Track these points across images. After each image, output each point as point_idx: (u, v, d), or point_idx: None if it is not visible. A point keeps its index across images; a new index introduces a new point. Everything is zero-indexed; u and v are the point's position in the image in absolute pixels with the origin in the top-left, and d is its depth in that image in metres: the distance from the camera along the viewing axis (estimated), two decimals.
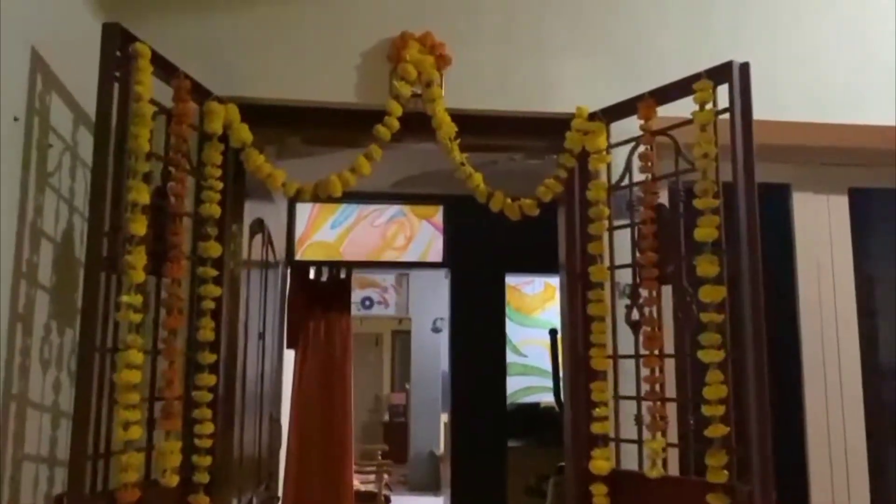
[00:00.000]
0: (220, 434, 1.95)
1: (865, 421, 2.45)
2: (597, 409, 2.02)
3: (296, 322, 5.59)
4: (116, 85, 1.68)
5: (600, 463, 1.99)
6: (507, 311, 6.06)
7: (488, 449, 5.36)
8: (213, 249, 1.94)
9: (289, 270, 5.52)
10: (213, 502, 1.87)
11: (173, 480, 1.72)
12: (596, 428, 2.01)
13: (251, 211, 2.40)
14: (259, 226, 2.58)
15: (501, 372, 5.54)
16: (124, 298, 1.62)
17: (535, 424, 5.69)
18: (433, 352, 9.34)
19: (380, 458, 7.81)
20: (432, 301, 8.78)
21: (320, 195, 2.03)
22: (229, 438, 2.09)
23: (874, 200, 2.58)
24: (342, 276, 5.76)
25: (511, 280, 6.10)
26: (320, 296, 5.69)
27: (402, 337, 11.65)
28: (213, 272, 1.94)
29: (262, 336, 2.67)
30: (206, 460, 1.85)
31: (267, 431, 2.88)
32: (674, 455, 1.97)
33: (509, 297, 6.28)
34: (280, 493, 5.56)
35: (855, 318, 2.49)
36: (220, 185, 1.98)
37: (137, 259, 1.65)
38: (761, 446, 1.68)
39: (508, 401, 5.76)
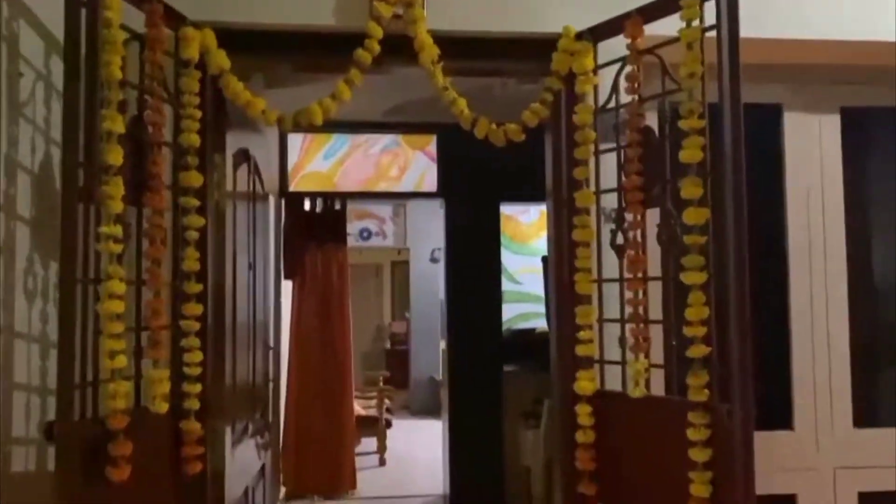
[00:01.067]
0: (210, 362, 1.98)
1: (850, 344, 2.47)
2: (581, 333, 2.04)
3: (292, 254, 5.61)
4: (84, 10, 1.63)
5: (585, 384, 2.02)
6: (503, 239, 6.08)
7: (485, 374, 5.46)
8: (195, 179, 1.92)
9: (283, 202, 5.52)
10: (204, 429, 1.91)
11: (163, 407, 1.75)
12: (581, 350, 2.04)
13: (235, 141, 2.37)
14: (244, 156, 2.55)
15: (497, 299, 5.60)
16: (103, 229, 1.61)
17: (530, 350, 5.75)
18: (432, 281, 9.40)
19: (381, 384, 7.95)
20: (430, 232, 8.77)
21: (301, 123, 2.00)
22: (220, 367, 2.12)
23: (866, 119, 2.54)
24: (337, 207, 5.75)
25: (507, 209, 6.09)
26: (316, 227, 5.70)
27: (401, 267, 11.71)
28: (196, 202, 1.93)
29: (251, 266, 2.68)
30: (196, 388, 1.88)
31: (261, 360, 2.92)
32: (659, 377, 2.00)
33: (505, 226, 6.28)
34: (282, 420, 5.70)
35: (843, 241, 2.49)
36: (199, 114, 1.95)
37: (115, 189, 1.64)
38: (742, 366, 1.71)
39: (504, 327, 5.84)
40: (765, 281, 2.58)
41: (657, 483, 1.87)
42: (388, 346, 12.50)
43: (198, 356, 1.89)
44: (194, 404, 1.87)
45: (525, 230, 7.66)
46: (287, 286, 5.76)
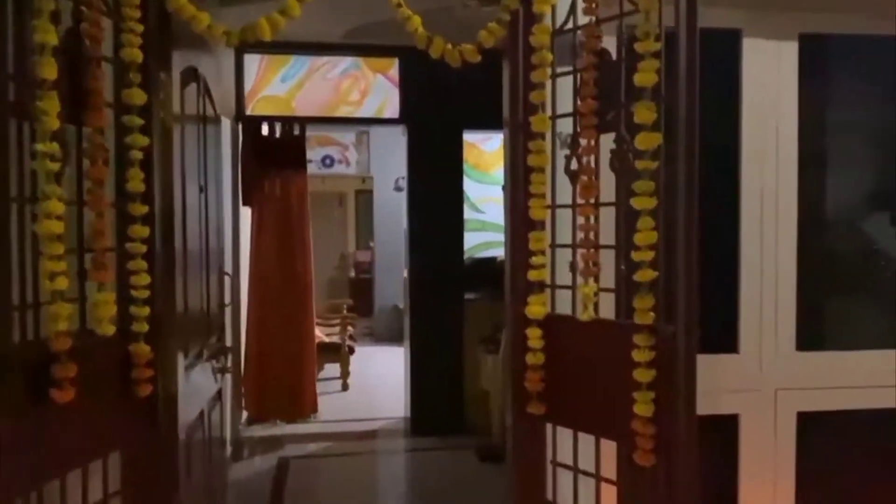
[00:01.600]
0: (160, 286, 1.95)
1: (797, 269, 2.53)
2: (534, 258, 2.05)
3: (250, 179, 5.52)
4: None
5: (536, 308, 2.04)
6: (466, 168, 6.05)
7: (446, 302, 5.53)
8: (137, 97, 1.85)
9: (240, 126, 5.39)
10: (155, 352, 1.89)
11: (109, 329, 1.73)
12: (533, 275, 2.05)
13: (182, 59, 2.27)
14: (192, 75, 2.46)
15: (459, 228, 5.61)
16: (39, 146, 1.55)
17: (491, 278, 5.80)
18: (396, 210, 9.35)
19: (345, 311, 8.00)
20: (394, 160, 8.68)
21: (248, 38, 1.92)
22: (170, 291, 2.09)
23: (824, 46, 2.54)
24: (296, 132, 5.63)
25: (469, 137, 6.03)
26: (274, 153, 5.60)
27: (365, 196, 11.62)
28: (139, 121, 1.86)
29: (203, 190, 2.62)
30: (144, 311, 1.86)
31: (216, 285, 2.90)
32: (612, 302, 2.03)
33: (467, 154, 6.24)
34: (243, 346, 5.72)
35: (795, 169, 2.52)
36: (141, 28, 1.86)
37: (50, 105, 1.56)
38: (687, 290, 1.74)
39: (466, 256, 5.88)
40: (716, 208, 2.62)
41: (603, 403, 1.92)
42: (352, 274, 12.53)
43: (145, 279, 1.85)
44: (143, 327, 1.85)
45: (487, 158, 7.63)
46: (246, 212, 5.69)
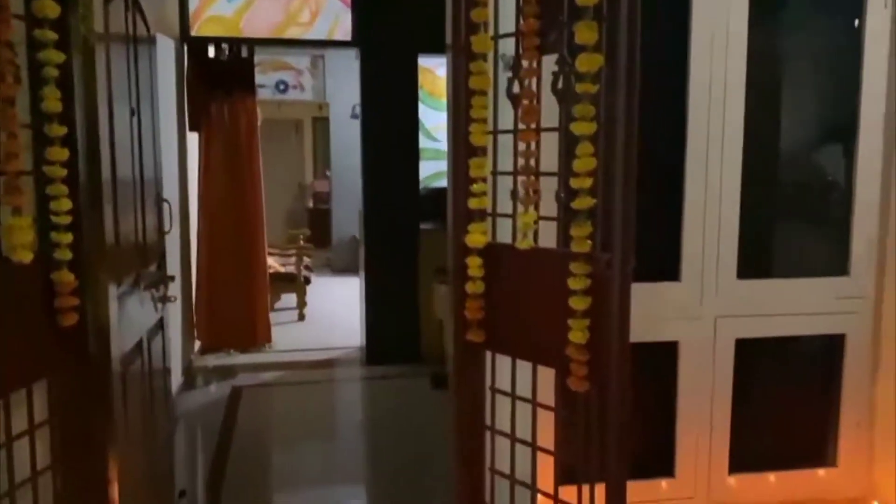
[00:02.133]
0: (85, 212, 1.87)
1: (741, 198, 2.54)
2: (474, 186, 2.00)
3: (197, 104, 5.33)
4: None
5: (476, 237, 2.01)
6: (421, 94, 5.92)
7: (401, 232, 5.49)
8: (50, 9, 1.72)
9: (185, 48, 5.17)
10: (81, 280, 1.83)
11: (26, 256, 1.66)
12: (473, 203, 2.01)
13: None
14: None
15: (414, 157, 5.52)
16: None
17: (446, 208, 5.78)
18: (353, 139, 9.12)
19: (301, 242, 7.92)
20: (350, 86, 8.45)
21: None
22: (97, 217, 2.00)
23: None
24: (244, 54, 5.42)
25: (425, 62, 5.87)
26: (222, 76, 5.39)
27: (322, 123, 11.37)
28: (53, 35, 1.74)
29: (135, 113, 2.50)
30: (67, 237, 1.77)
31: (153, 212, 2.81)
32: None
33: (423, 79, 6.10)
34: (194, 274, 5.64)
35: (743, 94, 2.49)
36: None
37: None
38: (624, 217, 1.71)
39: (421, 185, 5.81)
40: (662, 136, 2.60)
41: (540, 330, 1.91)
42: (310, 205, 12.37)
43: (66, 204, 1.77)
44: (65, 254, 1.77)
45: (443, 84, 7.47)
46: (194, 138, 5.52)
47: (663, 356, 2.59)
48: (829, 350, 2.71)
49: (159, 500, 2.82)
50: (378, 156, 5.44)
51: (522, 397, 2.03)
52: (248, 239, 5.61)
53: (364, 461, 4.03)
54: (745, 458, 2.68)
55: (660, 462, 2.65)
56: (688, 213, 2.51)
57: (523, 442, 2.03)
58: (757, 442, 2.71)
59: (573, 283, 1.78)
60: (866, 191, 2.63)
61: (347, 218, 9.69)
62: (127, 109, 2.41)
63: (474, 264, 2.02)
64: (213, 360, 5.72)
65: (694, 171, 2.51)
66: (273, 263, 7.18)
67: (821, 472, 2.76)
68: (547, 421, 2.03)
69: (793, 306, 2.61)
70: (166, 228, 2.96)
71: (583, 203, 1.76)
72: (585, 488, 1.88)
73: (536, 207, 1.93)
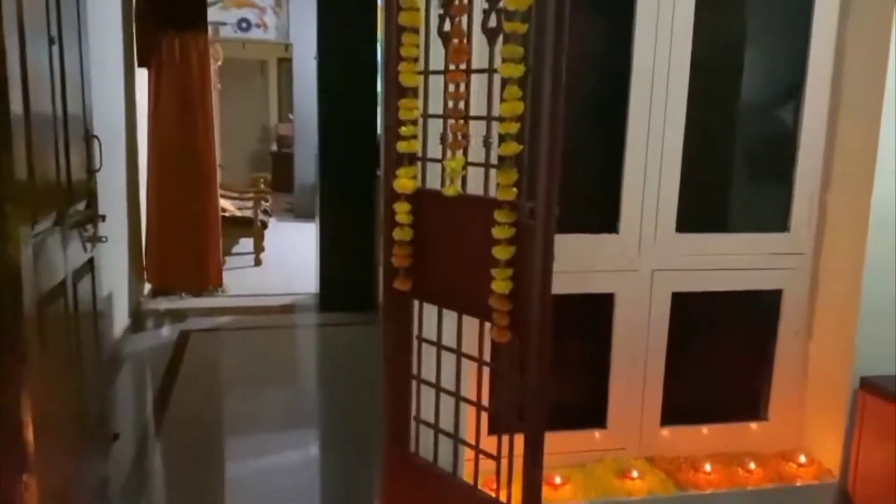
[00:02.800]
0: None
1: (683, 150, 2.49)
2: (403, 128, 1.93)
3: (146, 38, 5.12)
4: None
5: (404, 182, 1.95)
6: (379, 36, 5.74)
7: (357, 177, 5.38)
8: None
9: None
10: None
11: None
12: (402, 147, 1.94)
13: None
14: None
15: (372, 101, 5.39)
16: None
17: None
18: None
19: (262, 185, 7.78)
20: (314, 27, 8.22)
21: None
22: (5, 152, 1.90)
23: None
24: None
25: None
26: (172, 10, 5.17)
27: (288, 65, 11.08)
28: None
29: (55, 43, 2.36)
30: None
31: (80, 149, 2.69)
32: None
33: (381, 20, 5.90)
34: (143, 216, 5.51)
35: (689, 47, 2.43)
36: None
37: None
38: (549, 165, 1.66)
39: (379, 131, 5.68)
40: (604, 85, 2.53)
41: (464, 280, 1.87)
42: (274, 148, 12.14)
43: None
44: None
45: None
46: (143, 74, 5.32)
47: (599, 308, 2.57)
48: (765, 306, 2.71)
49: (90, 443, 2.77)
50: (335, 100, 5.30)
51: (448, 347, 2.00)
52: (200, 180, 5.47)
53: (308, 407, 4.01)
54: (678, 410, 2.70)
55: (594, 413, 2.65)
56: (628, 165, 2.47)
57: (447, 392, 2.01)
58: (690, 395, 2.73)
59: (497, 232, 1.73)
60: (810, 148, 2.60)
61: (310, 163, 9.50)
62: (44, 38, 2.27)
63: (402, 210, 1.96)
64: (164, 304, 5.64)
65: (636, 123, 2.45)
66: (229, 207, 7.04)
67: (753, 425, 2.79)
68: (475, 371, 2.01)
69: (731, 261, 2.60)
70: (96, 166, 2.84)
71: (508, 149, 1.70)
72: (506, 438, 1.86)
73: (465, 153, 1.87)
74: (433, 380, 2.04)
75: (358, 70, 5.27)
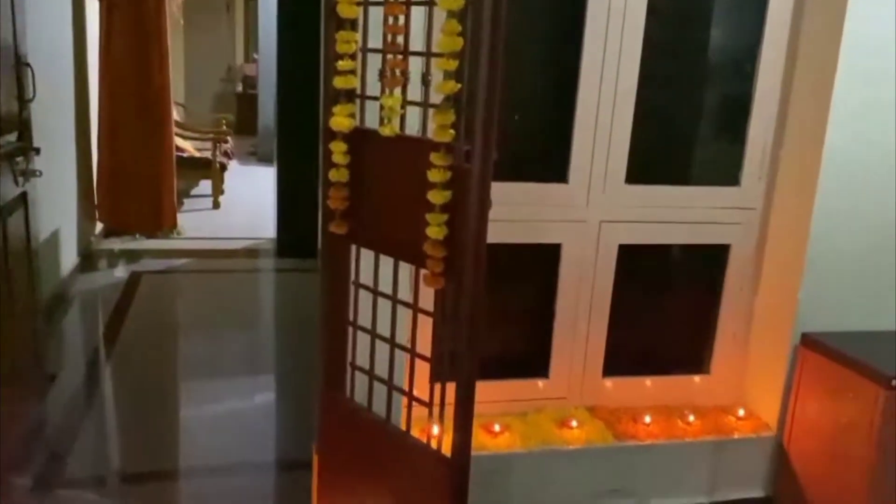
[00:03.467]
0: None
1: (636, 101, 2.43)
2: (340, 63, 1.84)
3: None
4: None
5: (340, 119, 1.86)
6: None
7: (315, 122, 5.24)
8: None
9: None
10: None
11: None
12: (339, 82, 1.85)
13: None
14: None
15: None
16: None
17: None
18: None
19: (224, 126, 7.58)
20: None
21: None
22: None
23: None
24: None
25: None
26: None
27: (254, 2, 10.74)
28: None
29: None
30: None
31: (10, 78, 2.55)
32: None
33: None
34: (95, 152, 5.33)
35: None
36: None
37: None
38: (487, 105, 1.58)
39: None
40: (559, 29, 2.45)
41: (400, 225, 1.81)
42: (239, 89, 11.84)
43: None
44: None
45: None
46: (93, 5, 5.09)
47: (546, 258, 2.53)
48: (712, 260, 2.70)
49: (23, 383, 2.70)
50: (294, 39, 5.12)
51: (384, 293, 1.95)
52: (154, 117, 5.29)
53: (256, 352, 3.96)
54: (621, 362, 2.70)
55: (538, 363, 2.64)
56: (580, 113, 2.40)
57: (382, 338, 1.97)
58: (634, 347, 2.73)
59: (432, 176, 1.67)
60: (764, 102, 2.55)
61: (272, 105, 9.30)
62: None
63: (338, 150, 1.88)
64: (117, 244, 5.51)
65: (589, 70, 2.38)
66: (188, 147, 6.87)
67: (696, 378, 2.81)
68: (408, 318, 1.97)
69: (680, 214, 2.57)
70: (28, 96, 2.70)
71: (445, 88, 1.63)
72: (440, 385, 1.83)
73: (404, 90, 1.79)
74: (370, 326, 2.00)
75: (316, 11, 5.08)
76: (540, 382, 2.66)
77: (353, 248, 2.00)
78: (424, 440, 1.91)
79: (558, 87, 2.45)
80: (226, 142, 7.18)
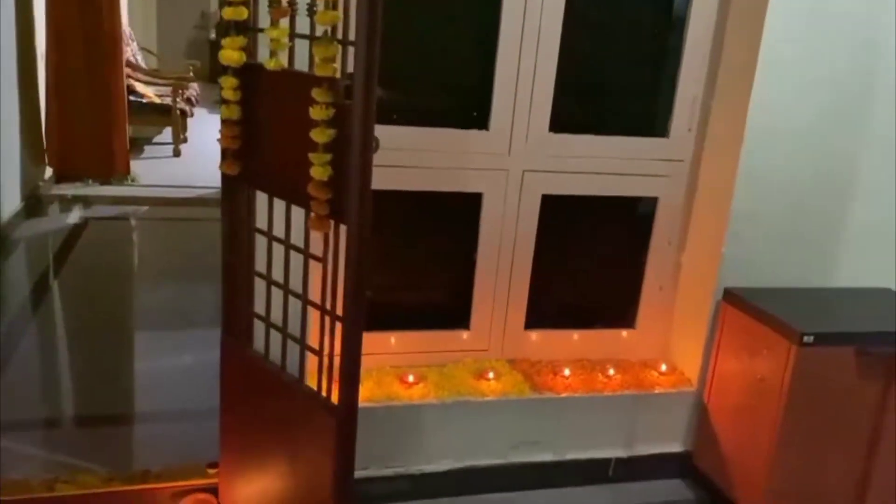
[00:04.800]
0: None
1: (560, 47, 2.35)
2: None
3: None
4: None
5: (229, 53, 1.77)
6: None
7: None
8: None
9: None
10: None
11: None
12: (227, 13, 1.76)
13: None
14: None
15: None
16: None
17: None
18: None
19: (190, 73, 7.40)
20: None
21: None
22: None
23: None
24: None
25: None
26: None
27: None
28: None
29: None
30: None
31: None
32: None
33: None
34: (42, 97, 5.19)
35: None
36: None
37: None
38: (369, 35, 1.50)
39: None
40: None
41: (290, 165, 1.74)
42: (212, 36, 11.55)
43: None
44: None
45: None
46: None
47: (467, 208, 2.47)
48: (639, 213, 2.65)
49: None
50: None
51: (276, 237, 1.89)
52: (103, 56, 5.14)
53: (194, 303, 3.90)
54: (545, 314, 2.66)
55: (460, 314, 2.60)
56: (501, 57, 2.32)
57: (276, 284, 1.91)
58: (558, 300, 2.70)
59: (314, 113, 1.60)
60: (695, 51, 2.47)
61: None
62: None
63: (228, 85, 1.80)
64: (69, 190, 5.40)
65: (511, 11, 2.29)
66: (148, 93, 6.70)
67: (624, 333, 2.78)
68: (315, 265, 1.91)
69: (606, 165, 2.51)
70: None
71: (325, 18, 1.55)
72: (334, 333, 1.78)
73: (292, 22, 1.70)
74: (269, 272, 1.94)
75: None
76: (464, 334, 2.62)
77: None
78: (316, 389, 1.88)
79: (479, 29, 2.36)
80: (187, 88, 7.00)
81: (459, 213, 2.50)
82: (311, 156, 1.63)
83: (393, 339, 2.56)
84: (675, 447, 2.66)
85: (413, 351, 2.57)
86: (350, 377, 1.74)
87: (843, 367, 2.24)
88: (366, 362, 2.51)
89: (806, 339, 2.17)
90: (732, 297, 2.47)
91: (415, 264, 2.59)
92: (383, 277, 2.53)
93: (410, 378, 2.44)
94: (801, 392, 2.22)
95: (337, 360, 1.76)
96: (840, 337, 2.23)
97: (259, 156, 1.84)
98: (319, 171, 1.64)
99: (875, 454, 2.33)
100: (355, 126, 1.57)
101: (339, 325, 1.72)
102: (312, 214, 1.69)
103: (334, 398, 1.79)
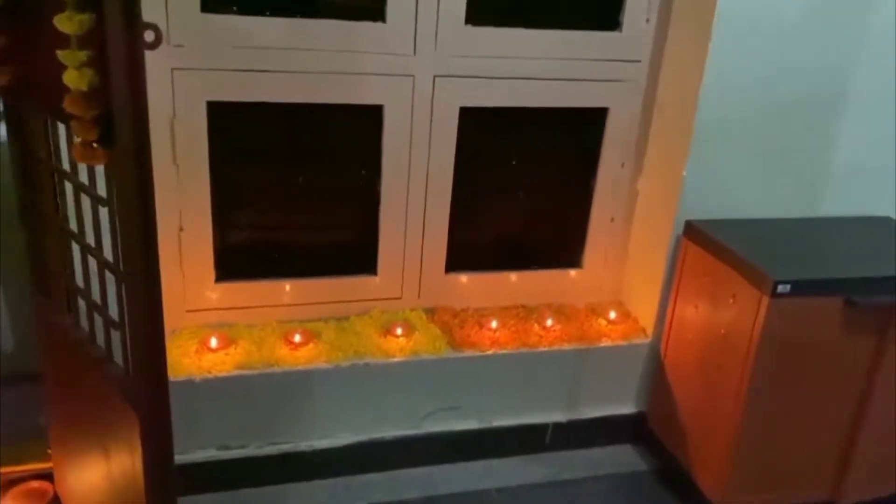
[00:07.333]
0: None
1: None
2: None
3: None
4: None
5: None
6: None
7: None
8: None
9: None
10: None
11: None
12: None
13: None
14: None
15: None
16: None
17: None
18: None
19: None
20: None
21: None
22: None
23: None
24: None
25: None
26: None
27: None
28: None
29: None
30: None
31: None
32: None
33: None
34: None
35: None
36: None
37: None
38: None
39: None
40: None
41: (51, 73, 1.24)
42: None
43: None
44: None
45: None
46: None
47: (364, 124, 1.97)
48: (585, 128, 2.15)
49: None
50: None
51: (64, 172, 1.41)
52: None
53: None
54: (471, 254, 2.21)
55: (365, 256, 2.14)
56: None
57: (67, 231, 1.44)
58: (485, 237, 2.25)
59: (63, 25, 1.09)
60: None
61: None
62: None
63: None
64: None
65: None
66: None
67: (571, 273, 2.33)
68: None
69: (541, 68, 1.99)
70: None
71: None
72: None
73: None
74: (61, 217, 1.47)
75: None
76: (374, 280, 2.17)
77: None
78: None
79: None
80: None
81: (356, 131, 2.00)
82: (61, 54, 1.13)
83: (288, 286, 2.11)
84: (626, 408, 2.26)
85: (312, 302, 2.13)
86: (149, 342, 1.27)
87: (827, 322, 1.79)
88: (252, 317, 2.09)
89: (780, 288, 1.71)
90: (694, 232, 2.00)
91: (308, 199, 2.10)
92: (268, 216, 2.07)
93: (297, 338, 1.99)
94: (772, 351, 1.78)
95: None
96: (824, 285, 1.77)
97: (27, 64, 1.34)
98: (75, 76, 1.14)
99: (860, 427, 1.91)
100: (114, 10, 1.06)
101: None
102: (77, 140, 1.20)
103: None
